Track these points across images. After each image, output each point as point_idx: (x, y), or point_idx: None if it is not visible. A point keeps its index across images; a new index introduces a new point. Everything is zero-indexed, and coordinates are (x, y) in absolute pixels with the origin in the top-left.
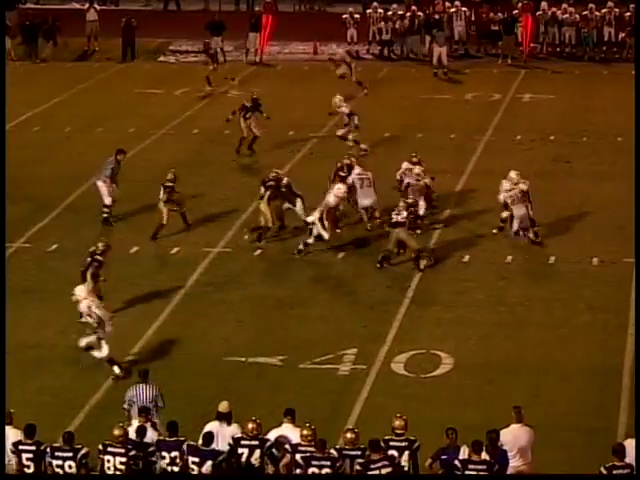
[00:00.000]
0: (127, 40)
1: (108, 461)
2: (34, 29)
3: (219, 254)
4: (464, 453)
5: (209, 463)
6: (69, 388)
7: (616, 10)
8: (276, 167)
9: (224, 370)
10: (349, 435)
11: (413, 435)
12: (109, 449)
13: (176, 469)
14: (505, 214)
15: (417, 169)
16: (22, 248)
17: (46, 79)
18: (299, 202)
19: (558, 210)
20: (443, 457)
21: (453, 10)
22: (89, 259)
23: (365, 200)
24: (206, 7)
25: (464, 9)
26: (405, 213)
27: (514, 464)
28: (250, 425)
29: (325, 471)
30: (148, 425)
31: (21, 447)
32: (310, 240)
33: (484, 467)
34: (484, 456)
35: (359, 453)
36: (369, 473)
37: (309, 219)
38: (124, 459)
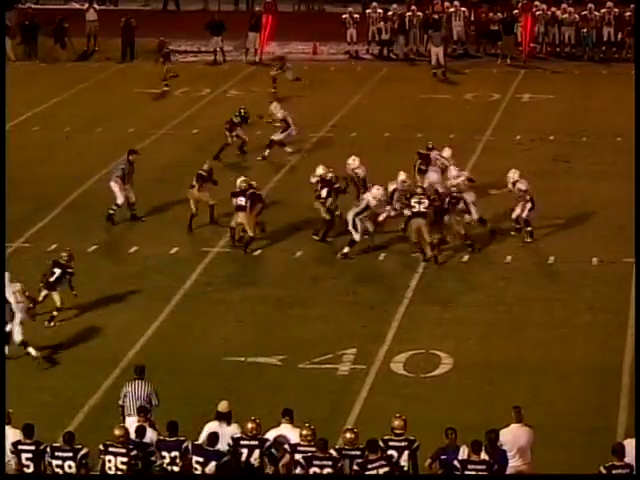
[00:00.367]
0: (127, 40)
1: (109, 461)
2: (33, 29)
3: (218, 254)
4: (463, 453)
5: (213, 464)
6: (69, 388)
7: (615, 10)
8: (277, 167)
9: (224, 370)
10: (348, 435)
11: (412, 435)
12: (110, 449)
13: (176, 469)
14: (515, 214)
15: (402, 176)
16: (22, 248)
17: (46, 79)
18: None
19: (558, 210)
20: (442, 457)
21: (452, 10)
22: (58, 270)
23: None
24: (205, 7)
25: (463, 9)
26: (427, 202)
27: (513, 464)
28: (249, 425)
29: (327, 471)
30: (147, 425)
31: (20, 447)
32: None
33: (483, 467)
34: (483, 456)
35: (358, 453)
36: (366, 473)
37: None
38: (125, 459)
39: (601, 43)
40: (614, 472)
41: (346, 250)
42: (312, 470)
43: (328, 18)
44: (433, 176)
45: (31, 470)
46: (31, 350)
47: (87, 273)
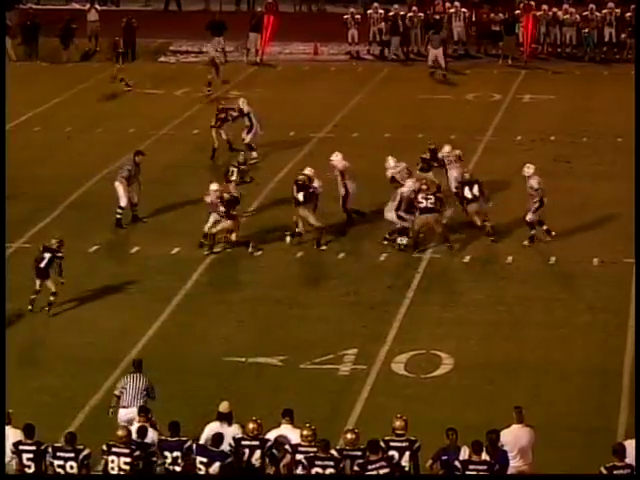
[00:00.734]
0: (128, 40)
1: (112, 461)
2: (34, 29)
3: (219, 254)
4: (464, 454)
5: (217, 464)
6: (69, 388)
7: (617, 10)
8: (277, 167)
9: (224, 370)
10: (349, 436)
11: (414, 435)
12: (113, 449)
13: (178, 469)
14: (529, 217)
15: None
16: (22, 248)
17: (47, 79)
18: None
19: (558, 210)
20: (443, 458)
21: (452, 11)
22: (48, 255)
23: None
24: (207, 7)
25: (464, 10)
26: (434, 198)
27: (515, 464)
28: (251, 425)
29: (329, 471)
30: (148, 425)
31: (21, 447)
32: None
33: (484, 467)
34: (484, 457)
35: (359, 454)
36: (367, 474)
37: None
38: (128, 459)
39: (602, 44)
40: (615, 472)
41: (405, 241)
42: (314, 470)
43: (329, 18)
44: (453, 174)
45: (32, 470)
46: None
47: (88, 273)
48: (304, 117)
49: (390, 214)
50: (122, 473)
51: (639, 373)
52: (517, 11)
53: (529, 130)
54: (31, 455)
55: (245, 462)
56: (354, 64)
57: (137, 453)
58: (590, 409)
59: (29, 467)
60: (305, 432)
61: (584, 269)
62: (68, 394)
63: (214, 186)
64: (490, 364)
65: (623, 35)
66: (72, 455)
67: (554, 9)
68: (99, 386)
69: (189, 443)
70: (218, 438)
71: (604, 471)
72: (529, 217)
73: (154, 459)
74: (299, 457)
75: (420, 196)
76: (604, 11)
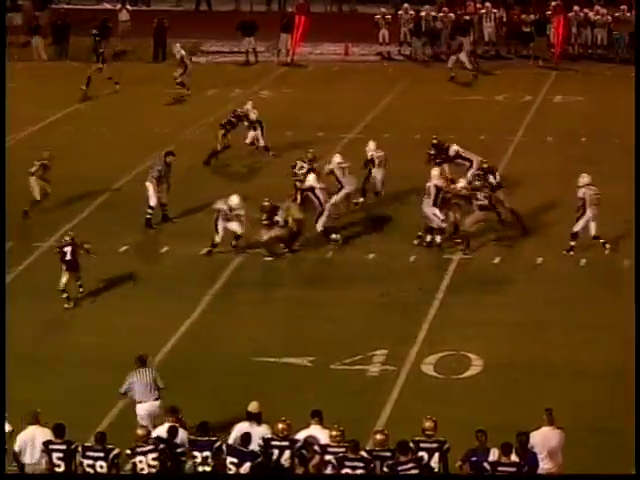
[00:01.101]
0: (159, 41)
1: (140, 462)
2: (65, 29)
3: (249, 255)
4: (494, 455)
5: (247, 464)
6: (98, 388)
7: None
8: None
9: (253, 370)
10: (379, 436)
11: (443, 436)
12: (137, 450)
13: (208, 469)
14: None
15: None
16: (52, 248)
17: (77, 79)
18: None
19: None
20: (473, 459)
21: (483, 11)
22: (68, 248)
23: (349, 186)
24: (237, 8)
25: (494, 10)
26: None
27: (544, 466)
28: (280, 425)
29: (359, 472)
30: (178, 425)
31: (51, 446)
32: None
33: (514, 469)
34: (514, 458)
35: (389, 454)
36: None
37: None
38: (155, 454)
39: (633, 45)
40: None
41: (439, 240)
42: (344, 471)
43: (360, 19)
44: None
45: (62, 469)
46: None
47: (118, 273)
48: (334, 118)
49: (429, 210)
50: (153, 470)
51: (639, 373)
52: (548, 12)
53: (560, 131)
54: (61, 454)
55: (274, 462)
56: (385, 64)
57: (162, 446)
58: (616, 410)
59: (59, 466)
60: (334, 433)
61: (614, 270)
62: (97, 394)
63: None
64: (519, 365)
65: None
66: (102, 455)
67: (585, 10)
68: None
69: (219, 443)
70: (246, 438)
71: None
72: (575, 228)
73: (184, 459)
74: (328, 457)
75: (479, 194)
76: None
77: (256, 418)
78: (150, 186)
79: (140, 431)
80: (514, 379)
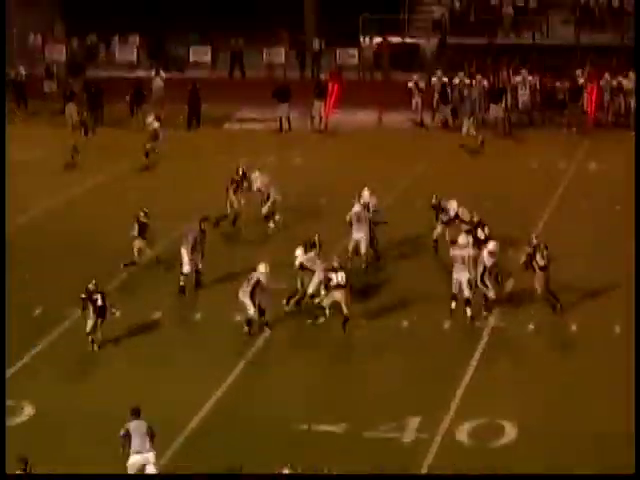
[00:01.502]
0: (193, 107)
1: None
2: (99, 96)
3: (283, 322)
4: None
5: None
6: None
7: None
8: (339, 235)
9: (287, 437)
10: None
11: None
12: None
13: None
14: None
15: (462, 239)
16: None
17: (111, 146)
18: None
19: (629, 281)
20: None
21: (518, 79)
22: (99, 295)
23: (357, 234)
24: (271, 75)
25: (530, 78)
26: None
27: None
28: None
29: None
30: None
31: None
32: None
33: None
34: None
35: None
36: None
37: None
38: None
39: None
40: None
41: (485, 313)
42: None
43: (393, 86)
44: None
45: None
46: None
47: (152, 339)
48: (368, 185)
49: (477, 278)
50: None
51: (639, 379)
52: (581, 80)
53: (594, 199)
54: None
55: None
56: (418, 132)
57: None
58: None
59: None
60: None
61: None
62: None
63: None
64: (555, 434)
65: None
66: None
67: (619, 77)
68: (162, 452)
69: None
70: None
71: None
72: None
73: None
74: None
75: (538, 256)
76: None
77: None
78: (185, 253)
79: None
80: (553, 448)
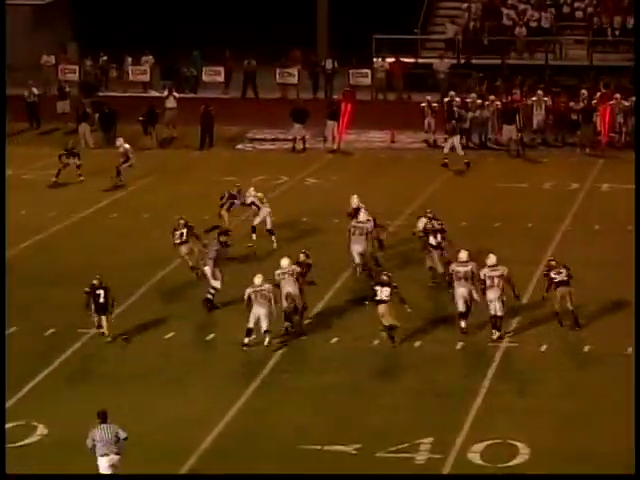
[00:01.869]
0: (205, 128)
1: None
2: (112, 116)
3: (295, 342)
4: None
5: None
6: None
7: None
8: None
9: (299, 458)
10: None
11: None
12: None
13: None
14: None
15: (464, 254)
16: (98, 335)
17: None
18: None
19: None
20: None
21: (534, 99)
22: (101, 291)
23: (357, 246)
24: (284, 95)
25: (545, 98)
26: (564, 271)
27: None
28: None
29: None
30: None
31: None
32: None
33: None
34: None
35: None
36: None
37: None
38: None
39: None
40: None
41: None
42: None
43: (406, 107)
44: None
45: None
46: None
47: (164, 360)
48: (380, 205)
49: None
50: None
51: (639, 377)
52: (594, 101)
53: (607, 220)
54: None
55: None
56: (431, 152)
57: None
58: None
59: None
60: None
61: None
62: None
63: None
64: (567, 454)
65: None
66: None
67: (632, 98)
68: (175, 472)
69: None
70: None
71: None
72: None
73: None
74: None
75: (553, 272)
76: None
77: None
78: (208, 269)
79: None
80: (566, 469)
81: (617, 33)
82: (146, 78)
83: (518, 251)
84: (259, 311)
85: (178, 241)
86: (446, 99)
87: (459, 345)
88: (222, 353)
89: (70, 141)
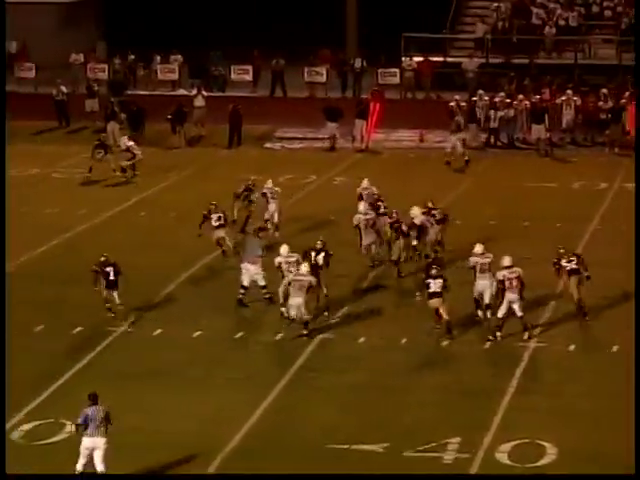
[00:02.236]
0: (234, 126)
1: None
2: (140, 115)
3: (322, 341)
4: None
5: None
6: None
7: None
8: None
9: (327, 457)
10: None
11: None
12: None
13: None
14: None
15: (479, 247)
16: (126, 332)
17: (152, 164)
18: None
19: None
20: None
21: (563, 98)
22: (110, 268)
23: (367, 239)
24: (312, 94)
25: (575, 98)
26: (575, 259)
27: None
28: None
29: None
30: None
31: None
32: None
33: None
34: None
35: None
36: None
37: None
38: None
39: None
40: None
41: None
42: None
43: (435, 106)
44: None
45: None
46: None
47: (191, 357)
48: (409, 204)
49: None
50: None
51: (639, 376)
52: (623, 100)
53: (635, 219)
54: None
55: None
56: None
57: None
58: None
59: None
60: None
61: None
62: None
63: None
64: (595, 454)
65: None
66: None
67: None
68: (202, 471)
69: None
70: None
71: None
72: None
73: None
74: None
75: (563, 260)
76: None
77: None
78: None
79: None
80: (593, 469)
81: None
82: (175, 77)
83: (546, 251)
84: (296, 301)
85: (216, 224)
86: (474, 98)
87: (487, 345)
88: (250, 352)
89: (102, 135)
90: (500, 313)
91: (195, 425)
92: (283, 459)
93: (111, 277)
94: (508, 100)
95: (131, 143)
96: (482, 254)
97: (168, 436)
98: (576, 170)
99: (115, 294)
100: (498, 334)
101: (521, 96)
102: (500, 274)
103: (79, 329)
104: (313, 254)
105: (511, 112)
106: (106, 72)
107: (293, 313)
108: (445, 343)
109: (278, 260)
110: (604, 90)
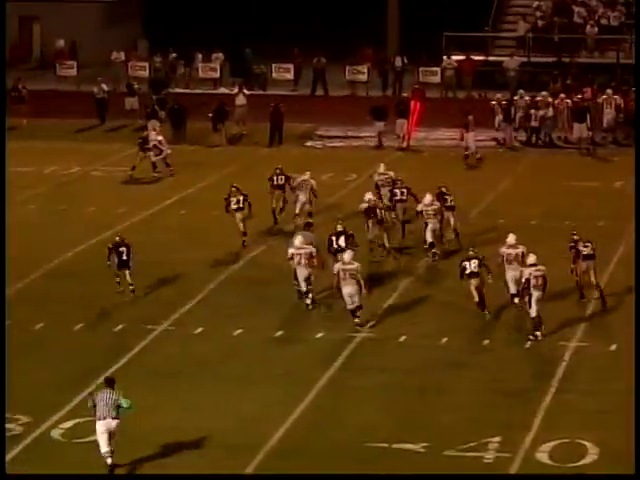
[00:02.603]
0: (275, 125)
1: None
2: (182, 113)
3: (363, 340)
4: None
5: None
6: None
7: None
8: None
9: (366, 456)
10: None
11: None
12: None
13: None
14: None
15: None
16: (167, 330)
17: (193, 163)
18: None
19: None
20: None
21: (604, 97)
22: (124, 248)
23: (370, 234)
24: (353, 92)
25: (615, 97)
26: (590, 245)
27: None
28: None
29: None
30: None
31: None
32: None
33: None
34: None
35: None
36: None
37: None
38: None
39: None
40: None
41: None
42: None
43: (475, 104)
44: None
45: None
46: None
47: (231, 355)
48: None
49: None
50: None
51: (639, 374)
52: None
53: None
54: None
55: None
56: (501, 150)
57: None
58: None
59: None
60: None
61: None
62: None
63: None
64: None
65: None
66: None
67: None
68: (241, 470)
69: None
70: None
71: None
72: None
73: None
74: None
75: (580, 245)
76: None
77: None
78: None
79: None
80: (636, 468)
81: None
82: (216, 75)
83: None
84: (348, 290)
85: (235, 207)
86: (515, 97)
87: (528, 344)
88: (290, 350)
89: (144, 133)
90: (533, 312)
91: (235, 423)
92: (322, 458)
93: (123, 257)
94: (550, 99)
95: (160, 138)
96: (513, 245)
97: (208, 434)
98: (617, 169)
99: (127, 273)
100: (538, 333)
101: (562, 95)
102: (527, 272)
103: (120, 327)
104: (334, 238)
105: (550, 111)
106: (147, 70)
107: (348, 301)
108: (486, 342)
109: (291, 251)
110: (634, 89)
